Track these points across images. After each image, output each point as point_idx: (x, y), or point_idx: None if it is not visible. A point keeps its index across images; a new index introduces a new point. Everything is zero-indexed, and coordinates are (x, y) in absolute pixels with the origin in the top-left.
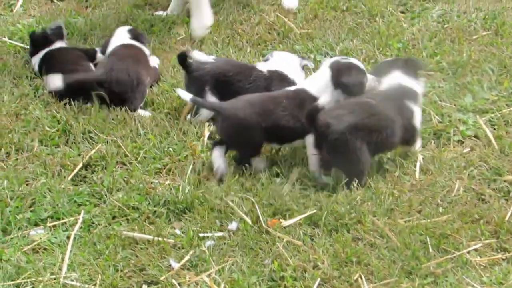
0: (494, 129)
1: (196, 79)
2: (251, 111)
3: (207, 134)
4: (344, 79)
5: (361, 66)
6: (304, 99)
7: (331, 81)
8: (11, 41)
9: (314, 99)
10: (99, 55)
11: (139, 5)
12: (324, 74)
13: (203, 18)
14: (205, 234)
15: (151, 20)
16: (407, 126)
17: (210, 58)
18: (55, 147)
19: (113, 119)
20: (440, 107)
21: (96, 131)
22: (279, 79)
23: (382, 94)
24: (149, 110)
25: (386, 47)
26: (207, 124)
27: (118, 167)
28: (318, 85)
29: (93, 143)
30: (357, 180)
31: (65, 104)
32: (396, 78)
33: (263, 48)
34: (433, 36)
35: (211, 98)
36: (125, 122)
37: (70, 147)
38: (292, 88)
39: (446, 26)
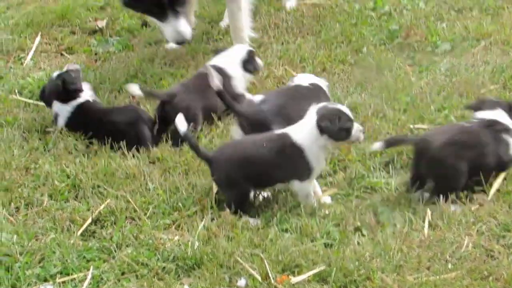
0: (504, 183)
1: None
2: (233, 162)
3: (215, 191)
4: (329, 125)
5: (348, 112)
6: (285, 144)
7: (316, 127)
8: (20, 98)
9: (295, 145)
10: None
11: (149, 59)
12: (310, 120)
13: None
14: None
15: (160, 74)
16: (503, 156)
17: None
18: (65, 202)
19: (122, 174)
20: None
21: (105, 186)
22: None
23: (479, 122)
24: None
25: (394, 101)
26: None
27: (127, 222)
28: (304, 130)
29: (102, 198)
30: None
31: (75, 158)
32: (496, 115)
33: None
34: (441, 89)
35: None
36: (134, 177)
37: (80, 202)
38: (278, 131)
39: (454, 79)
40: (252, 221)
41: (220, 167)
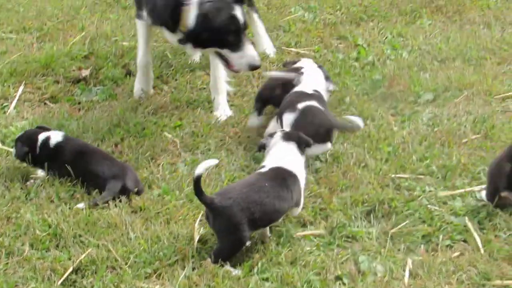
0: (483, 233)
1: None
2: (238, 208)
3: (197, 237)
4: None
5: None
6: (284, 176)
7: (298, 151)
8: (2, 146)
9: (292, 174)
10: None
11: (132, 108)
12: (292, 149)
13: None
14: None
15: (144, 123)
16: None
17: None
18: (46, 251)
19: (104, 223)
20: (429, 211)
21: (86, 235)
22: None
23: None
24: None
25: (377, 151)
26: (196, 226)
27: (108, 271)
28: (292, 159)
29: (83, 247)
30: None
31: (56, 207)
32: None
33: (255, 151)
34: (423, 139)
35: None
36: (116, 226)
37: (61, 251)
38: (266, 168)
39: (436, 129)
40: (233, 271)
41: (223, 212)
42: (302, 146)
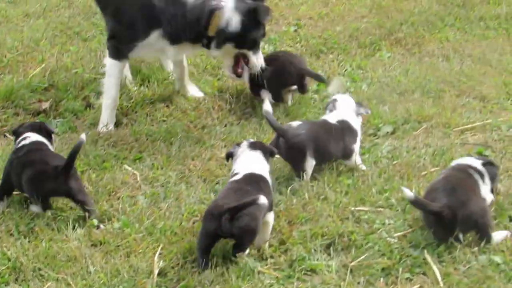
0: (443, 265)
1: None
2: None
3: (156, 274)
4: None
5: None
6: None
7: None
8: None
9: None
10: None
11: (92, 140)
12: (259, 157)
13: None
14: None
15: (104, 156)
16: None
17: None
18: (5, 285)
19: (63, 256)
20: (389, 244)
21: (46, 269)
22: (349, 130)
23: None
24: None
25: (336, 183)
26: (156, 259)
27: None
28: (260, 167)
29: (43, 281)
30: None
31: (16, 240)
32: None
33: (215, 184)
34: (382, 172)
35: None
36: (75, 259)
37: (20, 285)
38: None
39: (395, 162)
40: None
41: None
42: (267, 154)
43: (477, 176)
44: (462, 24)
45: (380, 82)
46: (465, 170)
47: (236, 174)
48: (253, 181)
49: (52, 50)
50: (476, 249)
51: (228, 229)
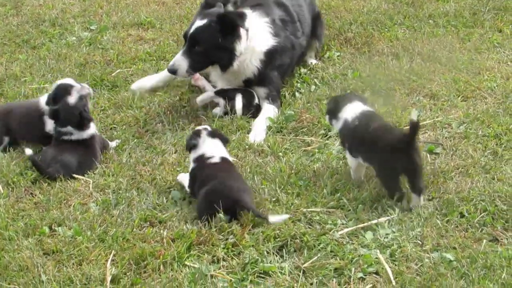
0: (395, 264)
1: None
2: None
3: (109, 280)
4: None
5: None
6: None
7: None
8: None
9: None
10: None
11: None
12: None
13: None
14: None
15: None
16: None
17: None
18: None
19: (15, 266)
20: (341, 244)
21: None
22: None
23: None
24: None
25: (288, 185)
26: (108, 266)
27: None
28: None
29: None
30: None
31: None
32: None
33: (166, 189)
34: (334, 172)
35: None
36: (27, 269)
37: None
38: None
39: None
40: None
41: None
42: (224, 142)
43: None
44: (411, 22)
45: (330, 82)
46: None
47: (212, 157)
48: (231, 165)
49: (0, 59)
50: (428, 247)
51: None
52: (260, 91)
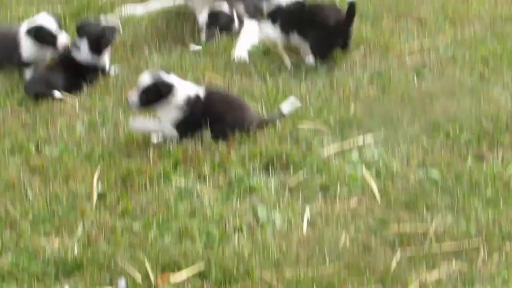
0: (381, 182)
1: None
2: None
3: (95, 196)
4: None
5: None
6: None
7: None
8: None
9: None
10: None
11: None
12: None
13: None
14: None
15: None
16: None
17: None
18: None
19: (1, 183)
20: (327, 161)
21: None
22: None
23: None
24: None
25: (275, 105)
26: (95, 183)
27: (7, 229)
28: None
29: None
30: None
31: None
32: None
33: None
34: (320, 94)
35: None
36: (14, 186)
37: None
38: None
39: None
40: None
41: None
42: None
43: None
44: None
45: None
46: None
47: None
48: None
49: None
50: (413, 164)
51: None
52: (239, 7)
